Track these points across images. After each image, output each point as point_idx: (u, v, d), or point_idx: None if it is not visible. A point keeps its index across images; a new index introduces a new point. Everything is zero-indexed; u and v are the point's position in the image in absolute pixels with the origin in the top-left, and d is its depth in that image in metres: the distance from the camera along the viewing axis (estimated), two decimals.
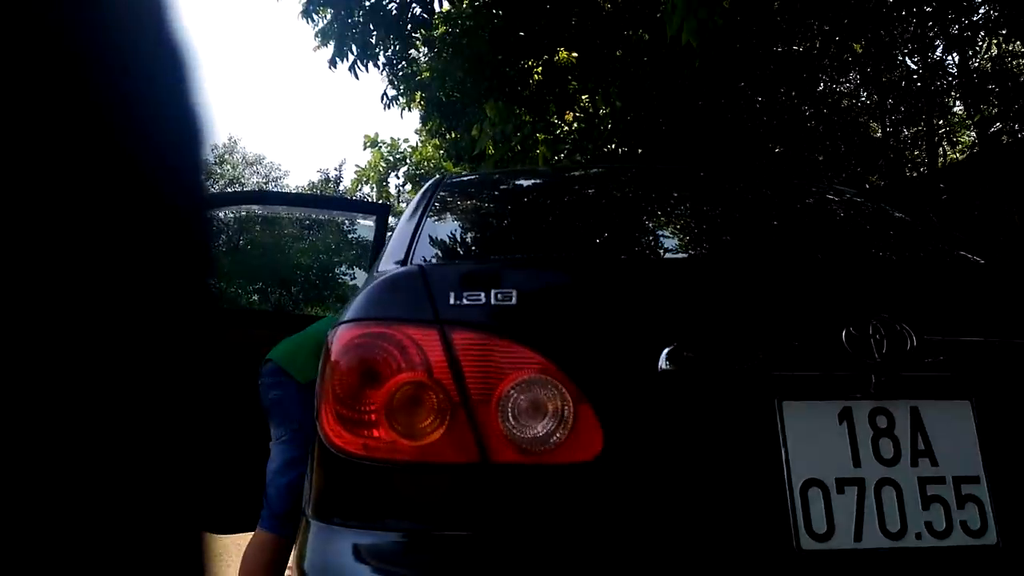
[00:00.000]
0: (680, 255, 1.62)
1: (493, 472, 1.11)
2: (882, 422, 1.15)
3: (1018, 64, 4.90)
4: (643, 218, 1.84)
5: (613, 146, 5.88)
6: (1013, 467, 1.16)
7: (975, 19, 4.78)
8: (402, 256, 1.48)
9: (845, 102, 7.76)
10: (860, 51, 4.85)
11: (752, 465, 1.12)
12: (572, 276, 1.30)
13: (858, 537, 1.10)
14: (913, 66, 5.73)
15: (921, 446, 1.15)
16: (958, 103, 5.45)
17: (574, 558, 1.11)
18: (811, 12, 4.27)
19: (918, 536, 1.11)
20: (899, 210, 2.03)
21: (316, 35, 8.13)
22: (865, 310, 1.17)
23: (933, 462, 1.15)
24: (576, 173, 2.50)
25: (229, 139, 27.25)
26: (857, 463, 1.13)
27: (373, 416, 1.14)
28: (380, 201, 13.75)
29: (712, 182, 2.13)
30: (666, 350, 1.13)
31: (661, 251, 1.64)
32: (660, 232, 1.76)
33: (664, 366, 1.13)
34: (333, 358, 1.18)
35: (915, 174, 4.52)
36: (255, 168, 27.00)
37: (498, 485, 1.12)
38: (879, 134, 5.67)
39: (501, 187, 2.21)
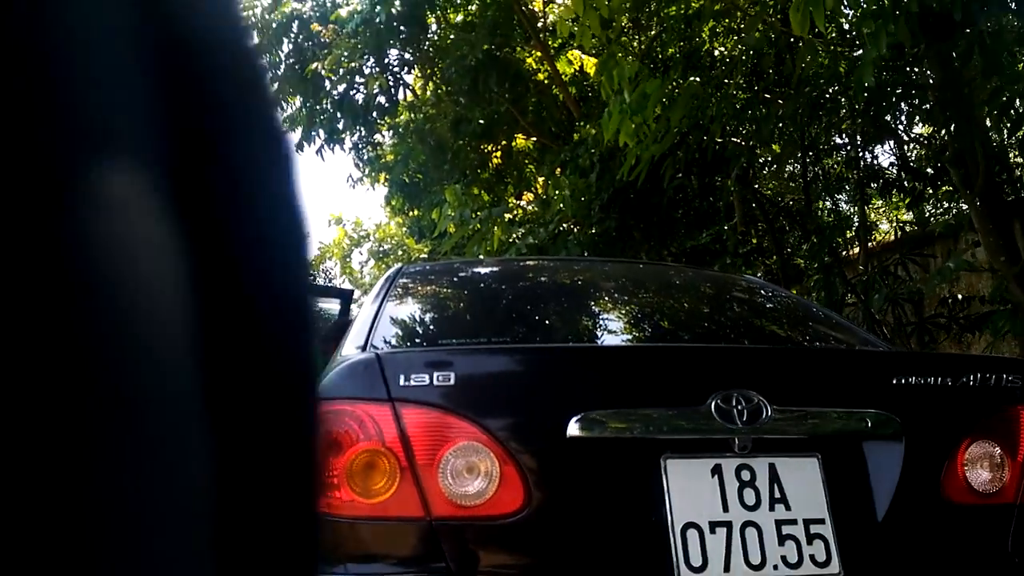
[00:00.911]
0: (590, 340, 1.93)
1: (434, 524, 1.37)
2: (746, 475, 1.44)
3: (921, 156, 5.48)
4: (563, 308, 2.16)
5: (565, 227, 6.27)
6: (852, 509, 1.46)
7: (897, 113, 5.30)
8: (362, 342, 1.74)
9: (793, 183, 8.34)
10: (778, 150, 5.41)
11: (642, 511, 1.40)
12: (500, 359, 1.60)
13: (727, 569, 1.37)
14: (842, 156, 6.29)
15: (777, 494, 1.44)
16: (881, 192, 6.00)
17: None
18: (741, 112, 4.79)
19: (775, 567, 1.39)
20: (785, 296, 2.37)
21: (285, 120, 8.53)
22: (730, 385, 1.47)
23: (787, 507, 1.43)
24: (516, 266, 2.83)
25: None
26: (726, 508, 1.42)
27: (336, 480, 1.39)
28: (344, 278, 14.06)
29: (626, 274, 2.47)
30: (573, 419, 1.41)
31: (576, 337, 1.95)
32: (577, 319, 2.08)
33: (572, 433, 1.41)
34: None
35: (825, 258, 4.99)
36: None
37: (438, 534, 1.37)
38: (797, 219, 6.18)
39: (451, 277, 2.52)
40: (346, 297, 3.58)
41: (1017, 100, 3.92)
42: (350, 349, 1.71)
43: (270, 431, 0.33)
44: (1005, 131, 4.36)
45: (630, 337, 1.99)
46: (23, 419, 0.21)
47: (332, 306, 4.00)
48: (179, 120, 0.29)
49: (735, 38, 5.77)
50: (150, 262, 0.26)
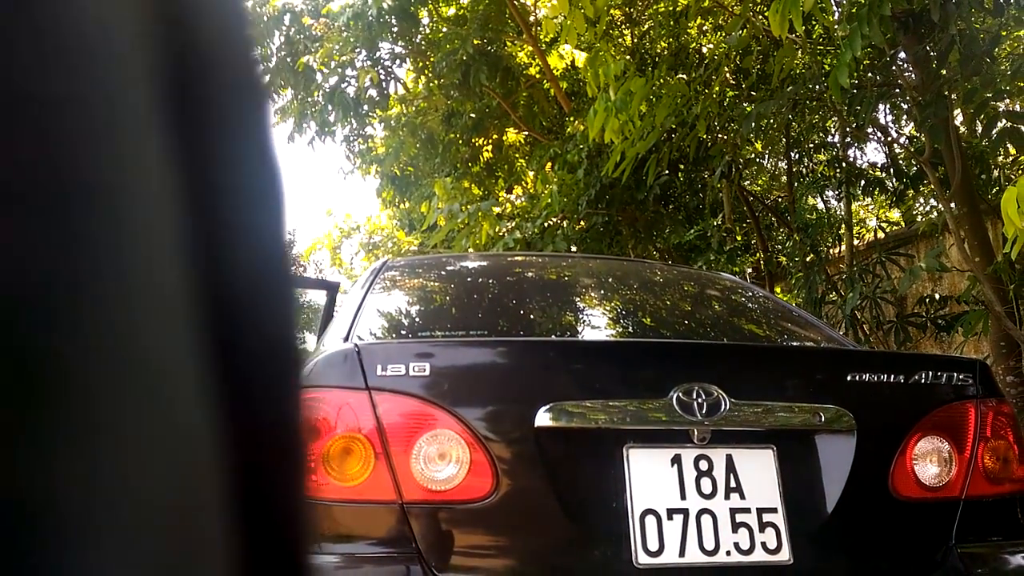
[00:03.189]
0: (567, 334, 2.00)
1: (405, 507, 1.44)
2: (704, 465, 1.52)
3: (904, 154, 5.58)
4: (543, 303, 2.23)
5: (553, 222, 6.34)
6: (802, 500, 1.53)
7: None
8: (345, 333, 1.81)
9: (775, 182, 8.42)
10: (760, 148, 5.50)
11: (604, 497, 1.47)
12: (473, 351, 1.67)
13: (682, 554, 1.45)
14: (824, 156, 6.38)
15: (733, 484, 1.51)
16: (865, 191, 6.09)
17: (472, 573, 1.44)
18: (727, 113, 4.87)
19: (728, 554, 1.46)
20: (757, 294, 2.45)
21: (276, 112, 8.55)
22: (691, 379, 1.54)
23: (742, 496, 1.51)
24: (499, 261, 2.90)
25: None
26: (683, 496, 1.49)
27: (313, 464, 1.46)
28: (334, 269, 14.18)
29: (607, 271, 2.54)
30: (541, 410, 1.48)
31: (553, 331, 2.01)
32: (555, 314, 2.15)
33: (540, 422, 1.48)
34: None
35: (807, 257, 5.09)
36: None
37: (409, 517, 1.44)
38: (785, 216, 6.28)
39: (436, 271, 2.58)
40: (332, 289, 3.63)
41: (993, 101, 4.00)
42: (333, 339, 1.78)
43: (257, 419, 0.33)
44: (980, 132, 4.45)
45: (604, 332, 2.06)
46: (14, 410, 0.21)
47: (318, 297, 4.06)
48: (167, 108, 0.28)
49: (721, 35, 5.84)
50: (135, 252, 0.25)
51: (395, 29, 7.47)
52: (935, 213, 6.27)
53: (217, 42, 0.33)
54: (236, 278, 0.33)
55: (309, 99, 8.15)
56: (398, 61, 8.22)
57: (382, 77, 7.66)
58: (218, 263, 0.31)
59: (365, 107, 7.96)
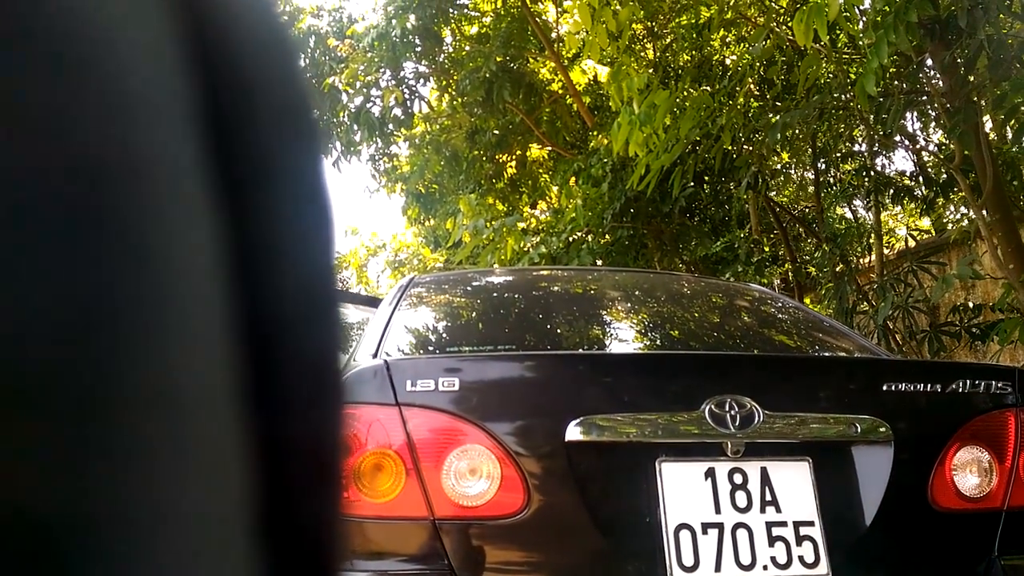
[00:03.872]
0: (595, 348, 1.99)
1: (437, 523, 1.44)
2: (738, 478, 1.50)
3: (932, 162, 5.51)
4: (570, 316, 2.23)
5: (578, 236, 6.34)
6: (840, 513, 1.51)
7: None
8: (374, 349, 1.82)
9: (803, 192, 8.35)
10: (786, 158, 5.48)
11: (637, 512, 1.46)
12: (502, 366, 1.66)
13: (718, 569, 1.43)
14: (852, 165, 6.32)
15: (769, 497, 1.49)
16: (894, 200, 6.02)
17: None
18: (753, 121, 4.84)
19: (765, 568, 1.44)
20: (787, 304, 2.43)
21: None
22: (723, 391, 1.53)
23: (778, 509, 1.49)
24: (526, 275, 2.91)
25: None
26: (718, 510, 1.47)
27: (344, 480, 1.47)
28: (360, 287, 14.33)
29: (633, 283, 2.53)
30: (572, 423, 1.47)
31: (581, 344, 2.01)
32: (583, 328, 2.14)
33: (571, 437, 1.47)
34: None
35: (837, 267, 5.03)
36: None
37: (441, 533, 1.44)
38: (813, 226, 6.23)
39: (462, 286, 2.59)
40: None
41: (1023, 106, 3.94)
42: (362, 354, 1.79)
43: (299, 431, 0.33)
44: (1010, 137, 4.38)
45: (634, 344, 2.06)
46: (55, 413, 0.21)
47: (349, 314, 4.10)
48: (213, 119, 0.29)
49: (745, 46, 5.83)
50: (182, 262, 0.26)
51: (419, 49, 7.54)
52: (966, 221, 6.18)
53: (260, 76, 0.32)
54: (282, 298, 0.33)
55: (335, 119, 8.25)
56: (422, 80, 8.30)
57: (406, 96, 7.74)
58: (264, 283, 0.31)
59: (390, 126, 8.03)
